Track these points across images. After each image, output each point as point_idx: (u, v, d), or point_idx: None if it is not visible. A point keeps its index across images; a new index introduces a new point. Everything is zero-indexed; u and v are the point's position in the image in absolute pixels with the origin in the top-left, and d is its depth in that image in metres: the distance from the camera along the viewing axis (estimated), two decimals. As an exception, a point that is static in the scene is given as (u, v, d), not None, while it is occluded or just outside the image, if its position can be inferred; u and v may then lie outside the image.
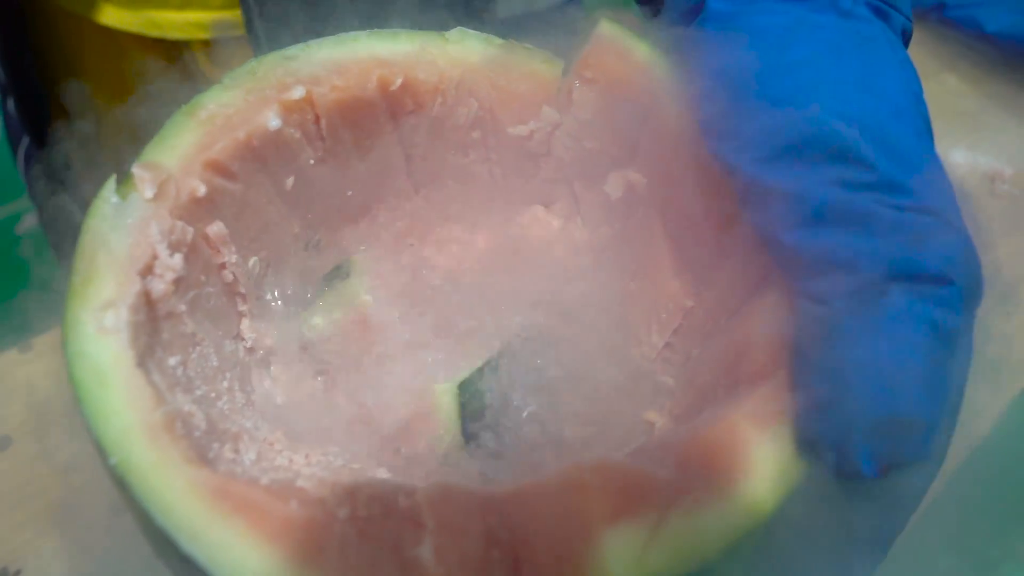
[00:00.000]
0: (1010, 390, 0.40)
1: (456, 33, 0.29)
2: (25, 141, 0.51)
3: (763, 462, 0.18)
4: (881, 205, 0.20)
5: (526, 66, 0.29)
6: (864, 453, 0.18)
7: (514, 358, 0.27)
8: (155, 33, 0.44)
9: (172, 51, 0.44)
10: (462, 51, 0.29)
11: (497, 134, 0.30)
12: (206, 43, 0.45)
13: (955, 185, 0.50)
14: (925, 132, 0.23)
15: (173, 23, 0.44)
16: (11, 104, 0.51)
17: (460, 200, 0.32)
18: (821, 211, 0.21)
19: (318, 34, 0.27)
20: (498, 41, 0.29)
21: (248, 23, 0.42)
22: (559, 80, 0.29)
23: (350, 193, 0.30)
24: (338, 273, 0.28)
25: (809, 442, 0.18)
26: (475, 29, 0.29)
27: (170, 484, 0.18)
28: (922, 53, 0.67)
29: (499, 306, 0.30)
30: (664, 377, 0.26)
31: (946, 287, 0.19)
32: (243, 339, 0.26)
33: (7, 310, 0.29)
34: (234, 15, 0.43)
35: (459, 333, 0.29)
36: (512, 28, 0.30)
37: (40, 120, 0.51)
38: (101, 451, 0.18)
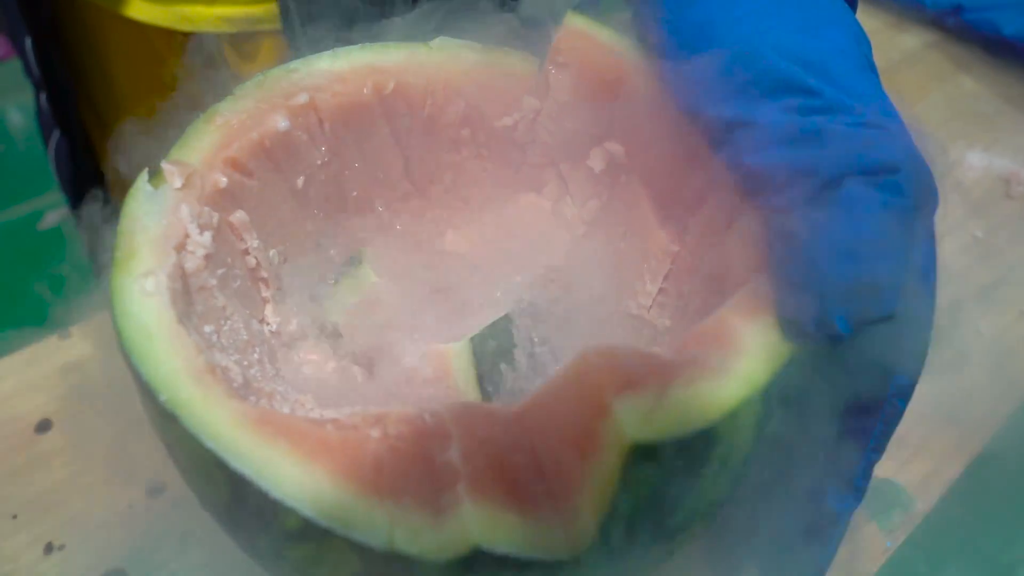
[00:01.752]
0: (1017, 393, 0.42)
1: (439, 41, 0.32)
2: (56, 135, 0.52)
3: (753, 344, 0.20)
4: (830, 123, 0.23)
5: (506, 65, 0.32)
6: (838, 316, 0.19)
7: (521, 318, 0.29)
8: (185, 27, 0.45)
9: (200, 45, 0.45)
10: (447, 57, 0.32)
11: (485, 129, 0.33)
12: (234, 37, 0.47)
13: (971, 187, 0.52)
14: (868, 68, 0.26)
15: (203, 17, 0.45)
16: (43, 98, 0.51)
17: (458, 194, 0.34)
18: (777, 132, 0.23)
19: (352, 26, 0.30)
20: (477, 46, 0.32)
21: (285, 16, 0.44)
22: (536, 73, 0.32)
23: (355, 193, 0.32)
24: (351, 261, 0.31)
25: (791, 319, 0.20)
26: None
27: (216, 414, 0.20)
28: (939, 56, 0.68)
29: (502, 281, 0.32)
30: (662, 320, 0.28)
31: (893, 174, 0.21)
32: (267, 323, 0.28)
33: (45, 298, 0.31)
34: (263, 10, 0.45)
35: (468, 307, 0.31)
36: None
37: (70, 114, 0.52)
38: (151, 393, 0.20)
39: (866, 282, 0.19)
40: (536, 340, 0.29)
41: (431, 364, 0.28)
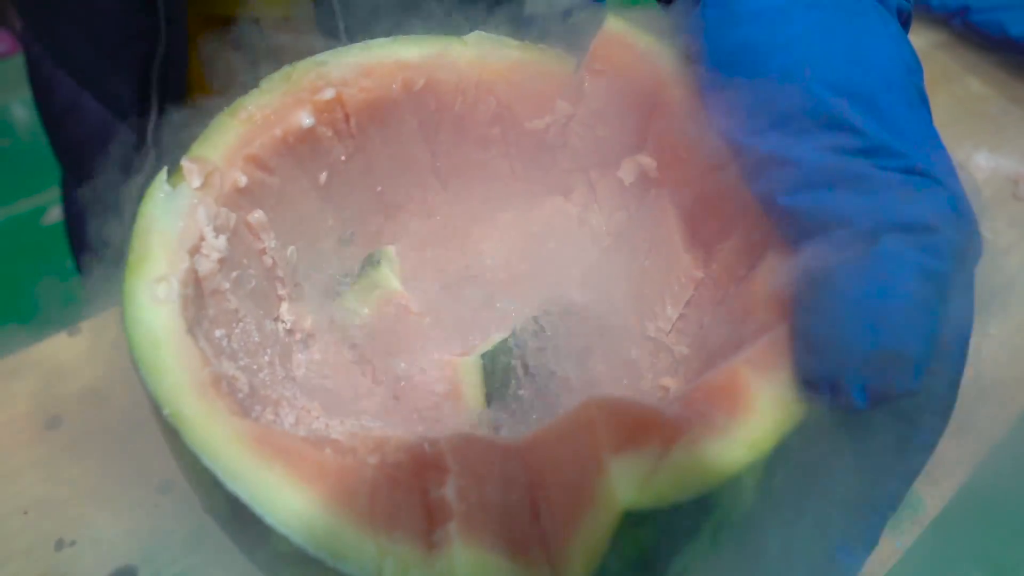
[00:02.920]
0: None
1: (474, 37, 0.31)
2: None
3: (764, 402, 0.19)
4: (872, 167, 0.22)
5: (540, 65, 0.31)
6: (856, 385, 0.18)
7: (537, 333, 0.29)
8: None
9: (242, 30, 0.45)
10: (480, 53, 0.31)
11: (515, 129, 0.32)
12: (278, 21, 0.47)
13: (977, 189, 0.51)
14: (918, 102, 0.24)
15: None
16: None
17: (484, 193, 0.34)
18: (815, 175, 0.22)
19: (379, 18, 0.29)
20: (514, 43, 0.31)
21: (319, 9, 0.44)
22: (571, 75, 0.31)
23: (379, 188, 0.32)
24: (370, 261, 0.30)
25: (807, 381, 0.20)
26: (507, 25, 0.32)
27: (216, 432, 0.20)
28: (946, 57, 0.67)
29: (522, 291, 0.31)
30: (680, 347, 0.28)
31: (934, 235, 0.20)
32: (283, 321, 0.28)
33: (55, 295, 0.32)
34: None
35: (486, 315, 0.31)
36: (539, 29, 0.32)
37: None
38: (155, 404, 0.20)
39: (891, 354, 0.18)
40: (551, 357, 0.29)
41: (442, 376, 0.28)
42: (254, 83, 0.28)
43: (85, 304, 0.32)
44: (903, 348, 0.18)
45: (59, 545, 0.30)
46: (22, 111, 1.31)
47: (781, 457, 0.19)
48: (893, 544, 0.33)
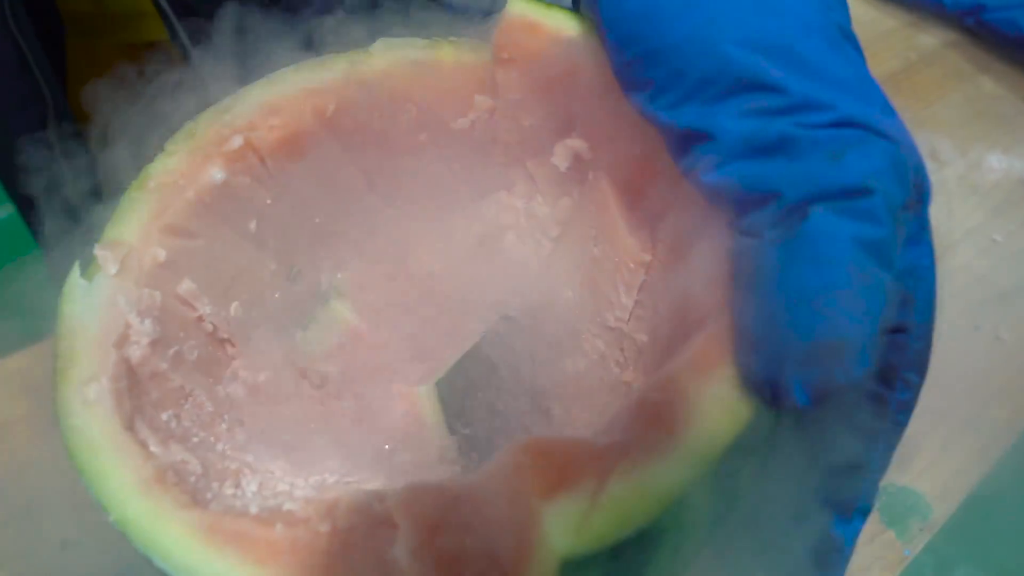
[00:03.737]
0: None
1: (380, 44, 0.29)
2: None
3: (705, 410, 0.18)
4: (797, 127, 0.20)
5: (454, 60, 0.30)
6: (795, 381, 0.17)
7: (495, 347, 0.28)
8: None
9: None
10: (388, 61, 0.29)
11: (443, 131, 0.31)
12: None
13: (991, 190, 0.48)
14: (841, 40, 0.22)
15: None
16: None
17: (427, 202, 0.32)
18: (736, 145, 0.20)
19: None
20: (421, 42, 0.30)
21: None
22: (487, 66, 0.29)
23: (317, 220, 0.31)
24: (319, 297, 0.30)
25: (747, 380, 0.18)
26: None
27: (165, 530, 0.20)
28: (959, 56, 0.65)
29: (480, 301, 0.31)
30: (640, 335, 0.27)
31: (866, 198, 0.18)
32: (239, 377, 0.28)
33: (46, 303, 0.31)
34: None
35: (445, 331, 0.30)
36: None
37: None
38: (103, 511, 0.20)
39: (830, 345, 0.17)
40: (517, 364, 0.28)
41: (403, 406, 0.27)
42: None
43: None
44: (843, 336, 0.17)
45: (63, 546, 0.31)
46: None
47: (740, 459, 0.19)
48: (901, 551, 0.32)
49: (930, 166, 0.55)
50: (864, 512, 0.23)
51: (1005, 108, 0.61)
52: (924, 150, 0.57)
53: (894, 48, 0.67)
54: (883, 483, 0.36)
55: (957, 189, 0.54)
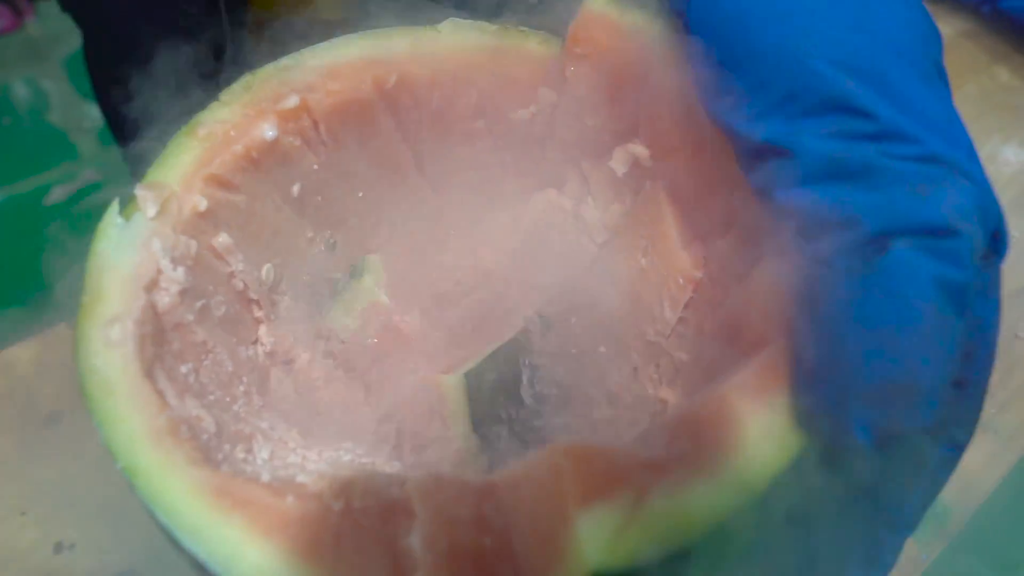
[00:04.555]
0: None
1: (448, 24, 0.29)
2: None
3: (755, 436, 0.17)
4: (882, 155, 0.19)
5: (522, 49, 0.29)
6: (859, 421, 0.16)
7: (530, 345, 0.27)
8: None
9: None
10: (455, 42, 0.29)
11: (501, 121, 0.30)
12: None
13: (1007, 184, 0.47)
14: (934, 75, 0.21)
15: None
16: None
17: (474, 191, 0.32)
18: (817, 166, 0.19)
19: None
20: (491, 28, 0.29)
21: None
22: (555, 59, 0.28)
23: (361, 194, 0.30)
24: (353, 272, 0.29)
25: (805, 412, 0.17)
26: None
27: (172, 485, 0.19)
28: (974, 46, 0.64)
29: (516, 295, 0.30)
30: (679, 353, 0.26)
31: (952, 239, 0.18)
32: (262, 343, 0.27)
33: (53, 294, 0.31)
34: None
35: (477, 324, 0.29)
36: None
37: None
38: (112, 457, 0.19)
39: (900, 386, 0.16)
40: (547, 369, 0.27)
41: (428, 395, 0.26)
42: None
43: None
44: (914, 379, 0.16)
45: (58, 548, 0.30)
46: (23, 90, 1.30)
47: (784, 494, 0.18)
48: (919, 556, 0.31)
49: None
50: (886, 568, 0.22)
51: (1020, 99, 0.59)
52: None
53: None
54: None
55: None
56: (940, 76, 0.21)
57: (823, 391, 0.17)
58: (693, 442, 0.17)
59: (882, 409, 0.16)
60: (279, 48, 0.28)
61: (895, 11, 0.21)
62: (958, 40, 0.65)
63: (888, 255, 0.17)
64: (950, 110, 0.21)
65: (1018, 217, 0.50)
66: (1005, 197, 0.50)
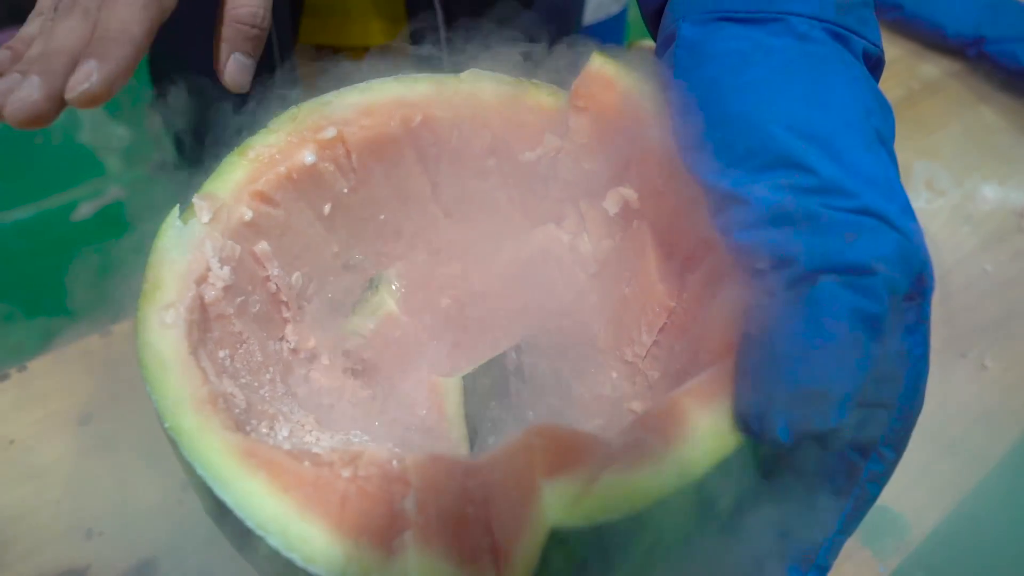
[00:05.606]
0: (1019, 427, 0.42)
1: (470, 74, 0.33)
2: None
3: (699, 431, 0.21)
4: (822, 207, 0.23)
5: (533, 99, 0.33)
6: (781, 421, 0.20)
7: (522, 355, 0.31)
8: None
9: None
10: (474, 89, 0.33)
11: (510, 160, 0.34)
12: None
13: (984, 220, 0.51)
14: (875, 141, 0.25)
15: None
16: None
17: (483, 221, 0.36)
18: (767, 213, 0.23)
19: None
20: (508, 79, 0.33)
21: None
22: (561, 109, 0.32)
23: (383, 217, 0.34)
24: (370, 284, 0.33)
25: (740, 414, 0.21)
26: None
27: (208, 444, 0.22)
28: (961, 86, 0.68)
29: (515, 314, 0.33)
30: (652, 372, 0.29)
31: (869, 278, 0.21)
32: (287, 341, 0.31)
33: (90, 299, 0.35)
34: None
35: (479, 337, 0.33)
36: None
37: None
38: (159, 417, 0.23)
39: (814, 393, 0.20)
40: (537, 379, 0.30)
41: (429, 395, 0.30)
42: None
43: (116, 308, 0.35)
44: (826, 388, 0.20)
45: (89, 534, 0.33)
46: None
47: (718, 483, 0.21)
48: (877, 568, 0.34)
49: (927, 195, 0.57)
50: (821, 569, 0.25)
51: (1004, 139, 0.63)
52: (921, 179, 0.59)
53: (897, 76, 0.69)
54: None
55: (951, 218, 0.55)
56: (882, 142, 0.25)
57: (755, 397, 0.20)
58: (646, 433, 0.21)
59: (799, 412, 0.20)
60: (323, 80, 0.32)
61: (843, 88, 0.25)
62: (946, 80, 0.68)
63: (815, 288, 0.21)
64: (888, 170, 0.25)
65: (991, 252, 0.53)
66: (980, 233, 0.54)
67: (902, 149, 0.70)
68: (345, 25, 0.61)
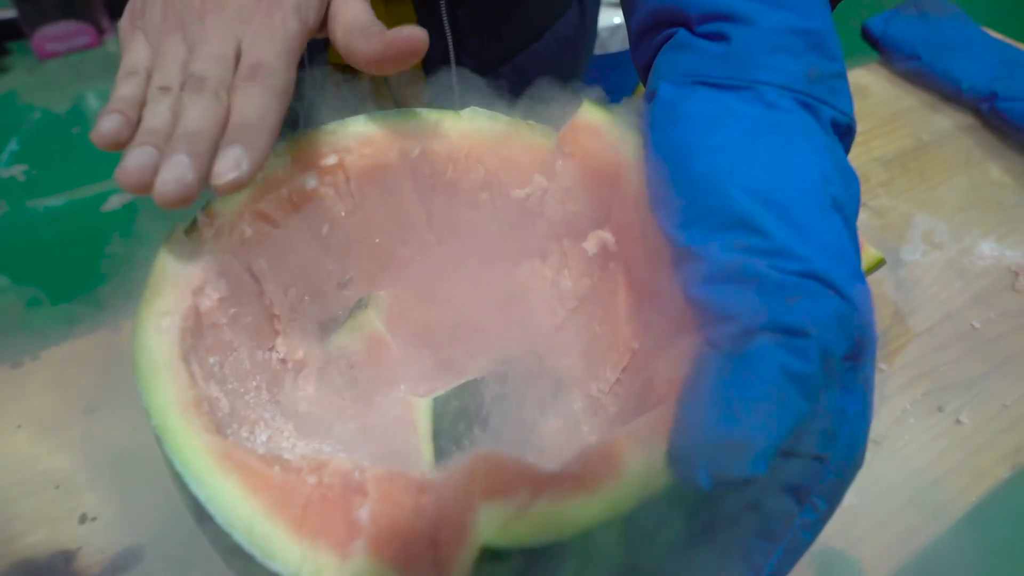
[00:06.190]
0: (985, 484, 0.43)
1: (468, 111, 0.35)
2: None
3: (631, 469, 0.22)
4: (770, 268, 0.24)
5: (527, 139, 0.35)
6: (703, 467, 0.21)
7: (494, 382, 0.33)
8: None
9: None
10: (472, 126, 0.35)
11: (502, 195, 0.36)
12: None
13: (978, 276, 0.53)
14: (831, 210, 0.26)
15: None
16: None
17: (473, 250, 0.38)
18: (718, 270, 0.25)
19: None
20: (504, 118, 0.35)
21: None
22: (551, 152, 0.34)
23: (378, 240, 0.36)
24: (360, 304, 0.35)
25: (671, 457, 0.23)
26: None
27: (189, 443, 0.24)
28: (970, 140, 0.69)
29: (495, 341, 0.35)
30: (612, 408, 0.31)
31: (802, 339, 0.23)
32: (277, 351, 0.33)
33: (101, 296, 0.37)
34: None
35: (459, 361, 0.35)
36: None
37: None
38: (147, 416, 0.25)
39: (735, 443, 0.21)
40: (507, 405, 0.32)
41: (403, 411, 0.32)
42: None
43: (129, 305, 0.37)
44: (747, 439, 0.21)
45: (83, 519, 0.36)
46: (96, 101, 1.40)
47: (649, 519, 0.23)
48: None
49: (923, 248, 0.59)
50: None
51: (1007, 196, 0.63)
52: (920, 231, 0.60)
53: (910, 127, 0.70)
54: (823, 546, 0.39)
55: (944, 272, 0.56)
56: (838, 209, 0.26)
57: (683, 442, 0.22)
58: (584, 467, 0.22)
59: (719, 460, 0.21)
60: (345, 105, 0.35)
61: (804, 156, 0.27)
62: (956, 134, 0.70)
63: (752, 345, 0.23)
64: (840, 236, 0.26)
65: (980, 309, 0.53)
66: (973, 289, 0.55)
67: (904, 200, 0.71)
68: None
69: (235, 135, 0.27)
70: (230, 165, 0.26)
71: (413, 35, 0.31)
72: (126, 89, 0.29)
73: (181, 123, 0.27)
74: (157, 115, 0.28)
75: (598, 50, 1.19)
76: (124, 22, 0.33)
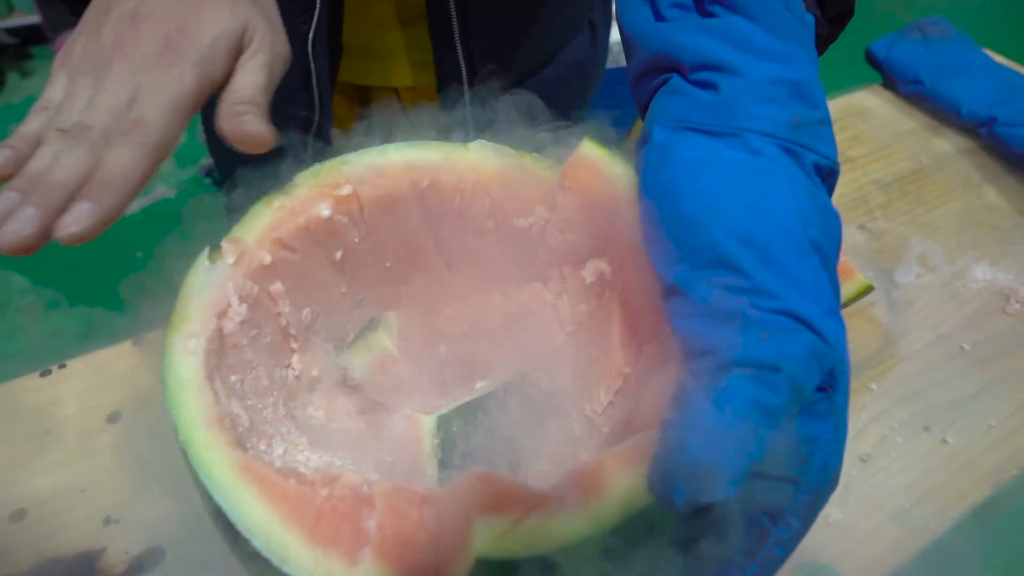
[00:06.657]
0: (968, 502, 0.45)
1: (476, 144, 0.37)
2: None
3: (615, 489, 0.25)
4: (749, 306, 0.26)
5: (531, 172, 0.37)
6: (679, 490, 0.23)
7: (495, 402, 0.35)
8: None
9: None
10: (479, 158, 0.37)
11: (506, 224, 0.38)
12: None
13: (970, 299, 0.54)
14: (810, 251, 0.28)
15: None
16: None
17: (479, 275, 0.40)
18: (700, 307, 0.27)
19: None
20: (510, 151, 0.37)
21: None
22: (553, 184, 0.36)
23: (389, 264, 0.38)
24: (370, 325, 0.37)
25: (651, 479, 0.25)
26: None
27: (213, 457, 0.27)
28: (968, 163, 0.70)
29: (496, 363, 0.37)
30: (606, 428, 0.33)
31: (773, 374, 0.25)
32: (293, 369, 0.35)
33: (125, 307, 0.39)
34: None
35: (464, 380, 0.37)
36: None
37: None
38: (175, 430, 0.28)
39: (706, 468, 0.23)
40: (507, 424, 0.34)
41: (409, 428, 0.34)
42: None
43: (154, 317, 0.39)
44: (717, 465, 0.23)
45: (107, 521, 0.38)
46: None
47: (630, 534, 0.25)
48: None
49: (918, 271, 0.61)
50: None
51: (1002, 220, 0.64)
52: (915, 254, 0.62)
53: (909, 150, 0.72)
54: (807, 559, 0.41)
55: (937, 295, 0.57)
56: (816, 249, 0.28)
57: (662, 465, 0.24)
58: (571, 487, 0.25)
59: (693, 484, 0.23)
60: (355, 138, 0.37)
61: (784, 200, 0.29)
62: (955, 157, 0.71)
63: (727, 378, 0.25)
64: (818, 275, 0.28)
65: (971, 331, 0.55)
66: (964, 311, 0.56)
67: (902, 223, 0.73)
68: (378, 67, 0.66)
69: (88, 191, 0.28)
70: (72, 220, 0.28)
71: (260, 135, 0.32)
72: (31, 124, 0.31)
73: (50, 173, 0.29)
74: (39, 159, 0.29)
75: (610, 64, 1.22)
76: (58, 57, 0.35)
